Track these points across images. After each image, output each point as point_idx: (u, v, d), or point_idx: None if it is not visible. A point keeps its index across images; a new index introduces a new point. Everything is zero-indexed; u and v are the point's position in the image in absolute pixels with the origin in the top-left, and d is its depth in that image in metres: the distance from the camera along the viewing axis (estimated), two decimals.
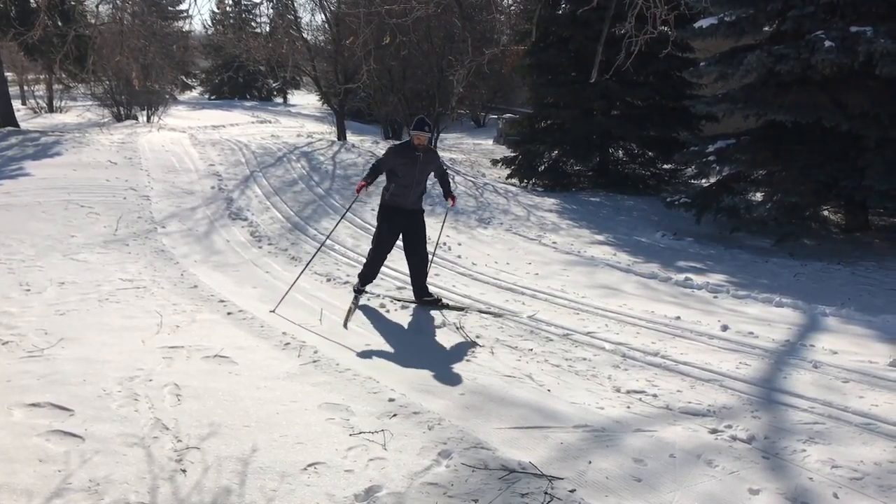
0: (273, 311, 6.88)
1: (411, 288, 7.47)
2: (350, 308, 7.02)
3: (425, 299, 7.34)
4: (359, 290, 7.50)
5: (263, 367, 5.33)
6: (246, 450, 3.98)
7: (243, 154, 17.11)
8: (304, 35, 23.84)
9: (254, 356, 5.58)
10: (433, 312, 7.04)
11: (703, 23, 11.97)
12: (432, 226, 8.32)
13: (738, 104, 11.64)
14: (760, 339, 6.28)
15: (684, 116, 15.28)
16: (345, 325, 6.57)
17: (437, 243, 8.53)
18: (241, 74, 40.19)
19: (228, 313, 6.80)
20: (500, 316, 6.95)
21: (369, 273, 7.53)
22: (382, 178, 7.42)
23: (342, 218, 8.95)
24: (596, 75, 8.11)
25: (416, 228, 7.32)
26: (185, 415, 4.43)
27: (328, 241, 10.17)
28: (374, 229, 10.99)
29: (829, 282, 9.11)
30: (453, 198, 7.70)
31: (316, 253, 8.58)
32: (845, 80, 10.64)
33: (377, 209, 7.52)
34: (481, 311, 7.11)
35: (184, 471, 3.76)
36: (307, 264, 8.16)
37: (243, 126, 28.01)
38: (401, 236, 7.40)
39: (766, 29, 12.02)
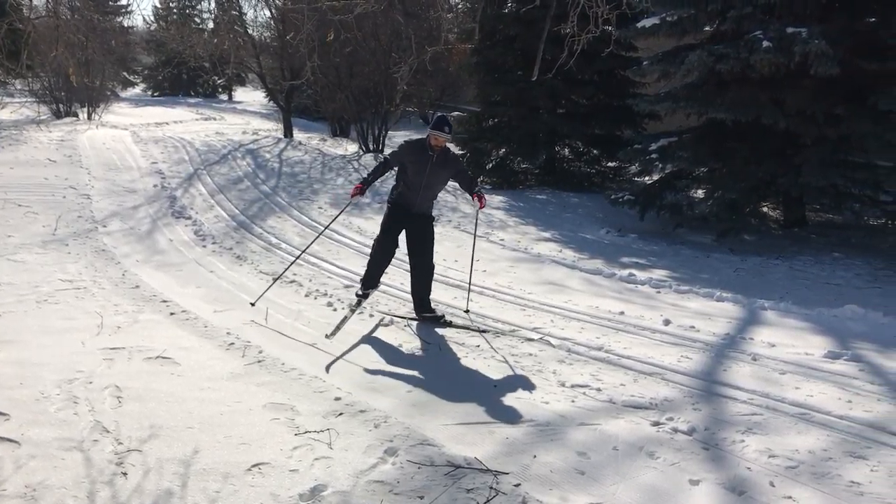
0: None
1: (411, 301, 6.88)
2: (344, 318, 6.32)
3: (426, 315, 6.70)
4: (362, 295, 6.73)
5: (207, 368, 5.27)
6: (188, 451, 3.93)
7: (187, 151, 16.84)
8: (249, 31, 23.57)
9: (197, 356, 5.51)
10: (381, 311, 7.01)
11: (646, 22, 12.14)
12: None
13: (680, 102, 11.84)
14: (702, 332, 6.41)
15: (628, 115, 15.47)
16: (330, 335, 5.97)
17: (472, 267, 7.29)
18: (184, 71, 39.51)
19: (171, 313, 6.70)
20: (511, 334, 6.38)
21: (370, 275, 6.78)
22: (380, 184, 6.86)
23: (323, 231, 8.31)
24: (538, 73, 8.16)
25: (420, 232, 6.64)
26: (126, 417, 4.35)
27: (274, 240, 10.09)
28: (319, 227, 11.00)
29: (768, 276, 9.33)
30: (480, 196, 6.61)
31: (292, 262, 8.31)
32: (783, 80, 10.91)
33: (387, 204, 6.80)
34: (493, 332, 6.46)
35: (124, 474, 3.69)
36: (283, 272, 8.00)
37: (187, 123, 27.55)
38: (403, 240, 6.75)
39: (707, 28, 12.24)
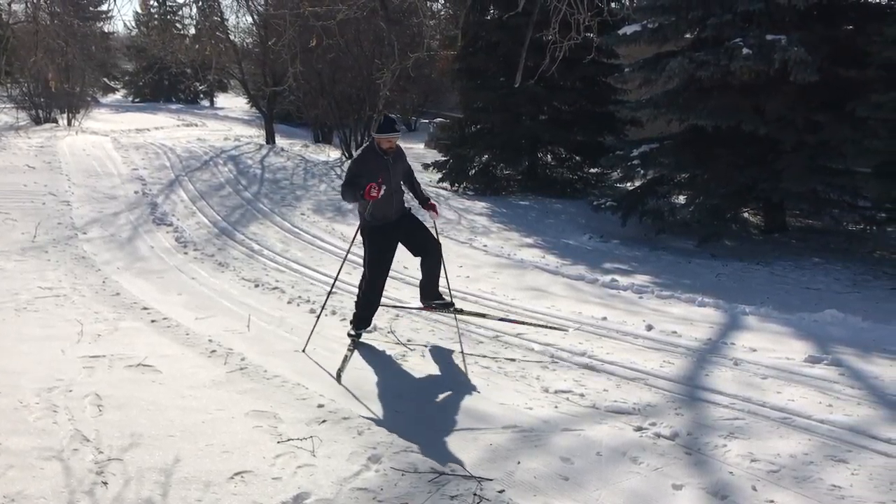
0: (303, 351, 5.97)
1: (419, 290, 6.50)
2: (345, 356, 5.75)
3: (436, 303, 6.34)
4: (355, 335, 6.22)
5: (188, 376, 5.23)
6: (169, 460, 3.90)
7: (168, 158, 16.75)
8: (231, 37, 23.47)
9: (179, 364, 5.47)
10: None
11: (627, 29, 12.23)
12: None
13: (662, 109, 11.92)
14: (683, 337, 6.44)
15: (610, 121, 15.54)
16: (338, 378, 5.38)
17: (446, 276, 6.56)
18: (165, 77, 39.30)
19: (152, 321, 6.65)
20: (525, 324, 6.22)
21: (366, 313, 6.27)
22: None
23: (344, 259, 7.69)
24: (521, 80, 8.18)
25: (413, 227, 6.20)
26: (106, 426, 4.31)
27: (256, 247, 10.05)
28: (302, 233, 10.97)
29: (749, 281, 9.39)
30: (432, 205, 6.28)
31: (328, 297, 7.63)
32: (762, 86, 11.00)
33: (363, 235, 6.19)
34: (506, 320, 6.38)
35: (104, 483, 3.65)
36: (324, 304, 7.40)
37: (168, 129, 27.42)
38: (401, 247, 6.28)
39: (688, 36, 12.34)
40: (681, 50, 11.93)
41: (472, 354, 5.95)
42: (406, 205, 6.39)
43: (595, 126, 15.97)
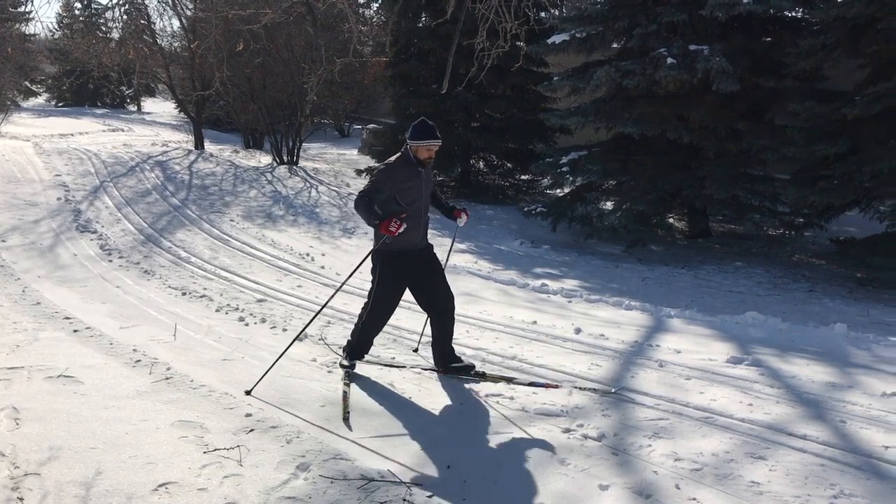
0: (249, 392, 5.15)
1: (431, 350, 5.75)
2: (344, 393, 5.11)
3: (454, 366, 5.57)
4: (349, 366, 5.57)
5: (112, 386, 5.09)
6: (90, 473, 3.79)
7: (92, 163, 16.31)
8: (158, 41, 23.00)
9: (102, 375, 5.32)
10: (294, 324, 6.92)
11: (556, 38, 12.44)
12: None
13: (590, 117, 12.15)
14: (611, 340, 6.56)
15: (540, 129, 15.76)
16: (344, 419, 4.72)
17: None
18: (90, 81, 38.25)
19: (75, 331, 6.46)
20: (555, 388, 5.33)
21: (363, 343, 5.60)
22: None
23: (340, 287, 7.22)
24: (448, 86, 8.24)
25: (431, 267, 5.49)
26: (23, 439, 4.17)
27: (183, 254, 9.85)
28: (231, 240, 10.80)
29: (674, 285, 9.62)
30: (462, 210, 5.70)
31: (312, 320, 7.37)
32: (686, 95, 11.33)
33: (376, 261, 5.42)
34: (535, 385, 5.40)
35: (20, 499, 3.53)
36: (301, 331, 7.33)
37: (93, 134, 26.71)
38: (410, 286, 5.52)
39: (615, 45, 12.62)
40: (608, 59, 12.18)
41: (403, 361, 5.95)
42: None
43: (526, 133, 16.16)
